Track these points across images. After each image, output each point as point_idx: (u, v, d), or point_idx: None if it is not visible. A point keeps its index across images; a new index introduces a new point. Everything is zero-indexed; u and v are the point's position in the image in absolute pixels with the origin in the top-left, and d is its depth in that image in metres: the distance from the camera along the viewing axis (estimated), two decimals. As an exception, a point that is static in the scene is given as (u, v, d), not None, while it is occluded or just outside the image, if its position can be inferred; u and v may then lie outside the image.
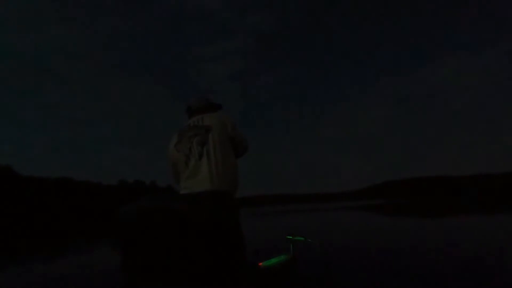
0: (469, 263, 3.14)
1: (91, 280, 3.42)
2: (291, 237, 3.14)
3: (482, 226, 6.75)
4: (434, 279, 2.62)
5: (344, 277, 2.86)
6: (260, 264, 2.82)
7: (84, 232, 14.04)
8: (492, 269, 2.89)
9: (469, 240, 4.79)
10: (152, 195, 1.19)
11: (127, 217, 1.08)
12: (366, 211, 18.36)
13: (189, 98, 1.62)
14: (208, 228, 1.08)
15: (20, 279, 3.76)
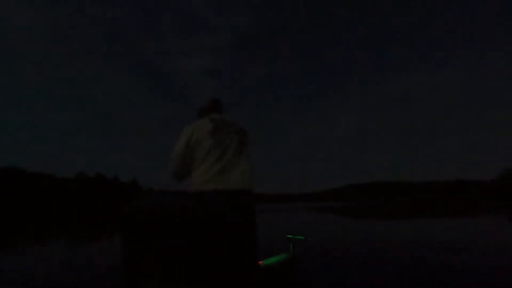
0: (457, 263, 3.29)
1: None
2: (291, 236, 3.06)
3: (449, 227, 7.39)
4: (433, 278, 2.68)
5: (344, 276, 2.83)
6: (260, 263, 2.71)
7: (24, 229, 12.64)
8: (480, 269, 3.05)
9: (451, 240, 5.11)
10: (158, 193, 1.15)
11: (131, 215, 1.05)
12: (335, 213, 19.08)
13: (208, 97, 1.63)
14: (218, 228, 1.04)
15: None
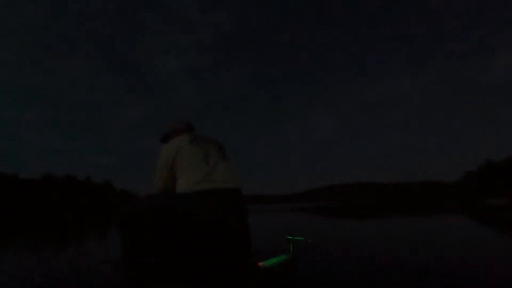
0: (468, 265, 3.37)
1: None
2: (291, 237, 2.99)
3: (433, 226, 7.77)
4: (433, 278, 2.70)
5: (344, 277, 2.79)
6: (260, 264, 2.61)
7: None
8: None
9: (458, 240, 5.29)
10: (154, 195, 1.15)
11: (129, 217, 1.05)
12: (320, 213, 19.41)
13: (183, 115, 1.73)
14: (215, 227, 1.04)
15: None
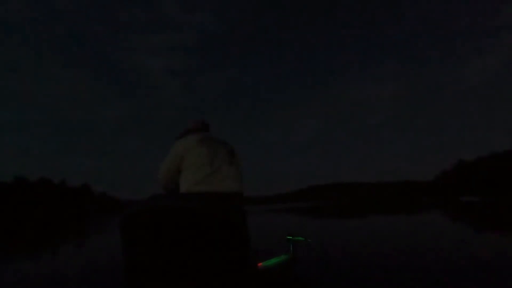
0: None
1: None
2: (291, 237, 2.96)
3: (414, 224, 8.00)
4: (435, 278, 2.71)
5: (344, 277, 2.78)
6: (260, 264, 2.55)
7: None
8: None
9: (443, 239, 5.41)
10: (155, 195, 1.16)
11: (130, 217, 1.05)
12: (308, 213, 19.55)
13: (199, 119, 1.66)
14: (215, 228, 1.05)
15: None
